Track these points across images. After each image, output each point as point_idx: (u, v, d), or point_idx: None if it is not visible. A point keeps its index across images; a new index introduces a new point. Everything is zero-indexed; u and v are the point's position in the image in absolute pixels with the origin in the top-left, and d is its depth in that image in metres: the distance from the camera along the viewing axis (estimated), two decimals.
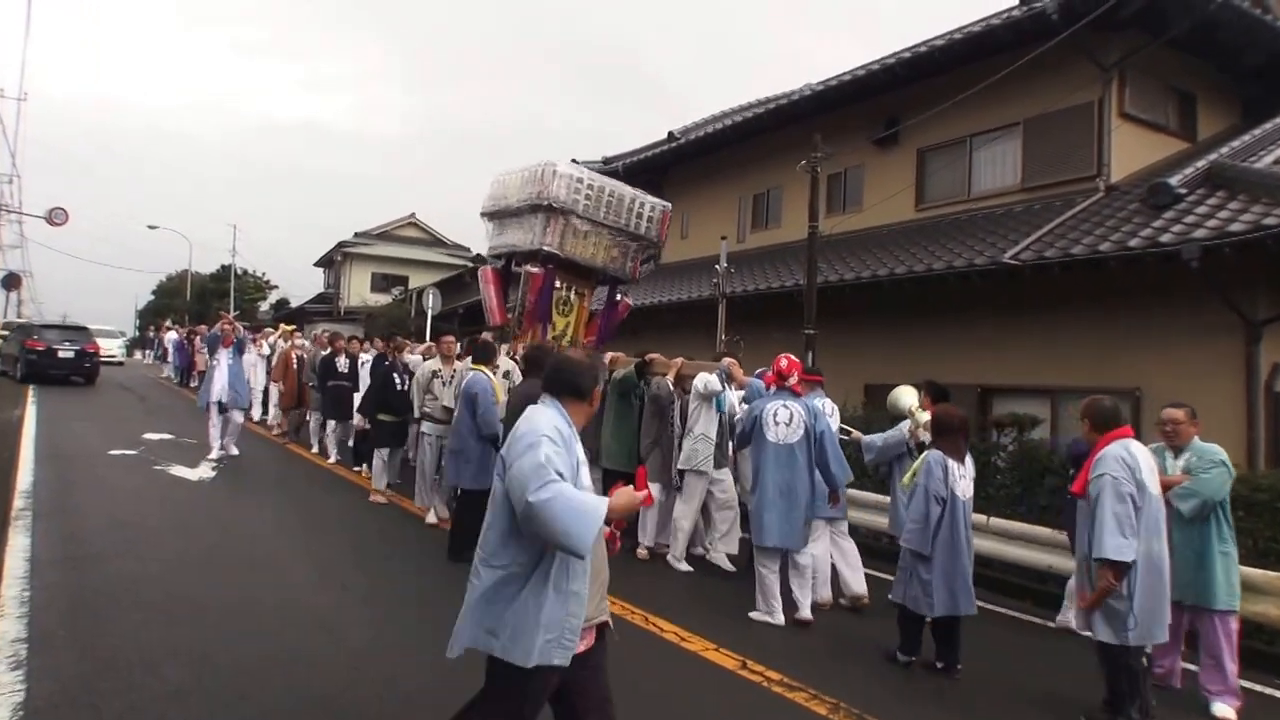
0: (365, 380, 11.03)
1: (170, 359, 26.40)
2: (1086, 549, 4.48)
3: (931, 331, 11.36)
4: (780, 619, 5.86)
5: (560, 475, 2.65)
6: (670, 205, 10.84)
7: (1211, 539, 4.93)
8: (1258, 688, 5.29)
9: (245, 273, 50.84)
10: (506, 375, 8.23)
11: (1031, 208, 11.24)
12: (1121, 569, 4.24)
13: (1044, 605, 6.82)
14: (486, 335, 9.39)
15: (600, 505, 2.66)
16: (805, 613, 5.93)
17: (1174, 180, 9.19)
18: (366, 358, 11.87)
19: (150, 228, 44.21)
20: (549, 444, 2.71)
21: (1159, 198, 9.15)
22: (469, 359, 9.31)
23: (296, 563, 6.60)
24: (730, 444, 7.54)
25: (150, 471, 9.93)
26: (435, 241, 42.52)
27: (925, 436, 5.87)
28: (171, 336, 27.31)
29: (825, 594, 6.40)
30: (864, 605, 6.37)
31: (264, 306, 50.42)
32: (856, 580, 6.47)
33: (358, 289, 39.12)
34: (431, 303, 20.60)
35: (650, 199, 10.47)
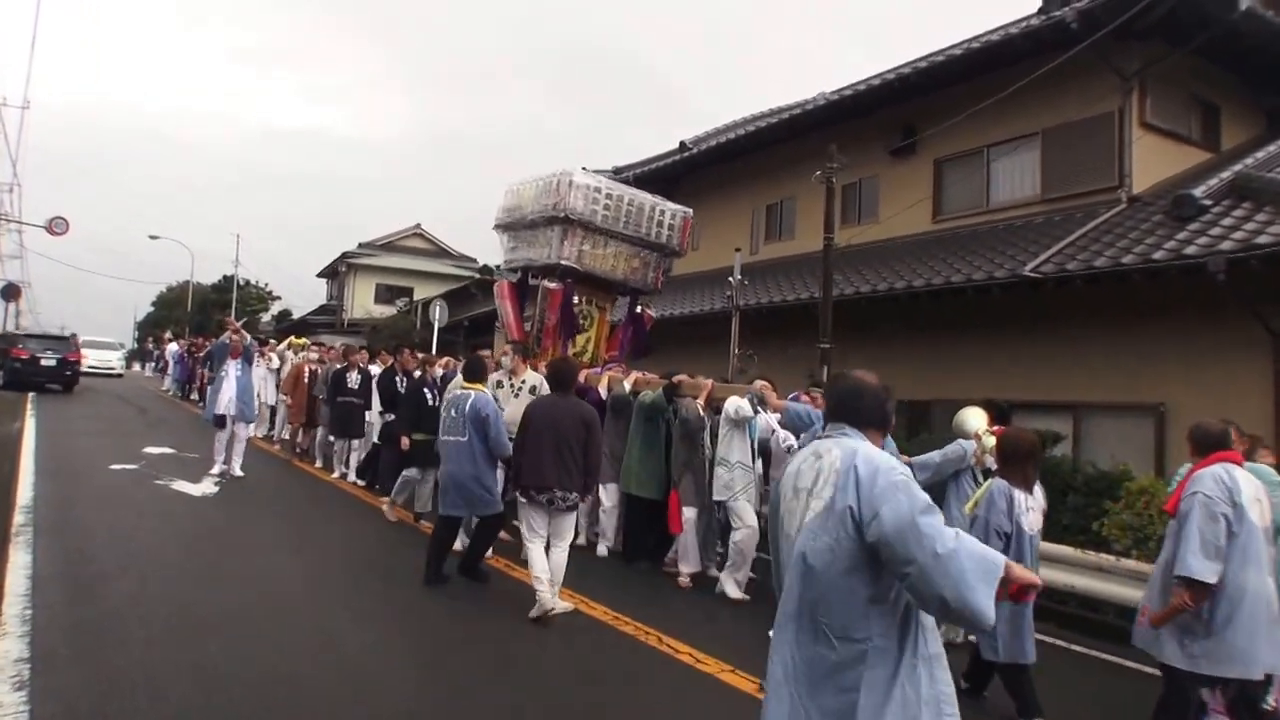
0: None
1: (170, 371, 26.50)
2: (1168, 567, 4.31)
3: (950, 346, 11.34)
4: None
5: None
6: (691, 212, 10.77)
7: None
8: None
9: (248, 283, 50.89)
10: (533, 390, 8.07)
11: (1052, 219, 11.24)
12: (1201, 590, 4.06)
13: (1068, 628, 6.78)
14: (487, 352, 9.29)
15: (999, 561, 2.26)
16: None
17: (1198, 191, 9.19)
18: (374, 370, 11.61)
19: (152, 238, 44.52)
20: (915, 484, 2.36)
21: (1183, 209, 9.15)
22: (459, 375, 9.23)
23: (301, 581, 6.60)
24: (761, 469, 7.36)
25: (152, 487, 9.88)
26: (441, 252, 42.80)
27: (991, 463, 5.56)
28: (173, 349, 27.38)
29: None
30: None
31: (266, 318, 50.58)
32: None
33: (361, 300, 39.34)
34: (438, 315, 20.64)
35: (671, 206, 10.40)
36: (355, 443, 11.36)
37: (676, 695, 4.87)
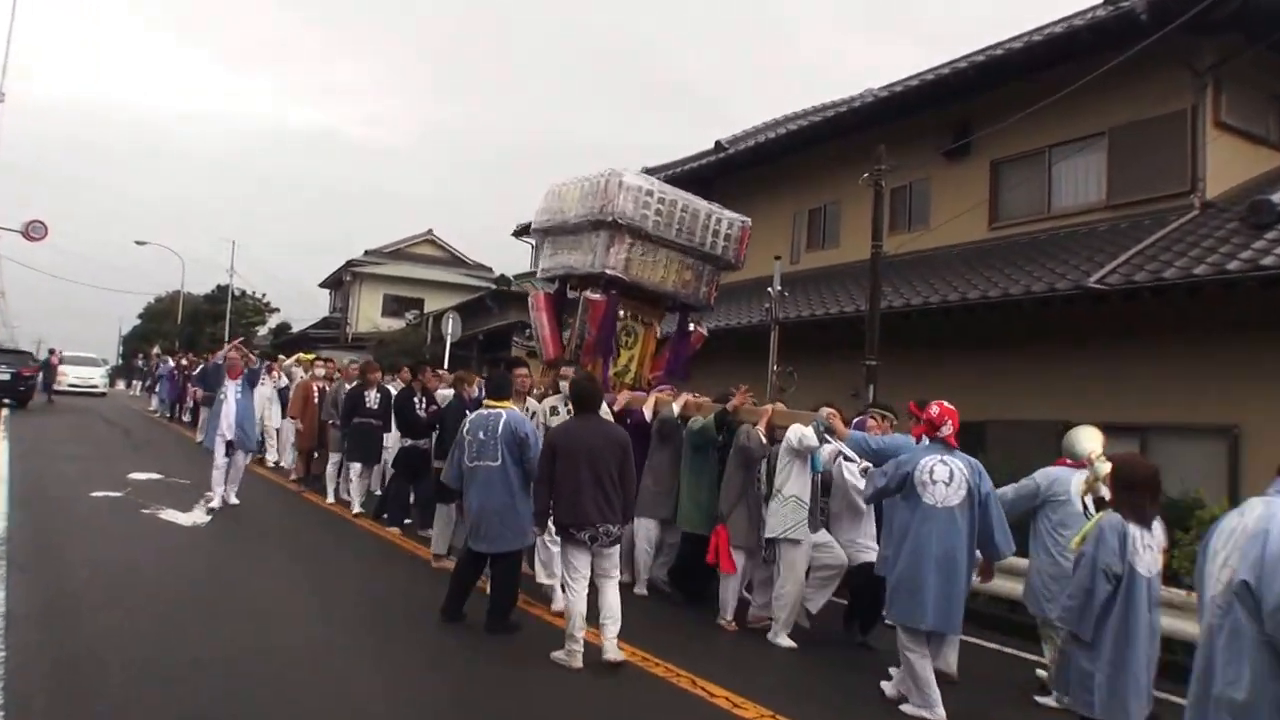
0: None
1: (158, 390, 26.49)
2: None
3: (1007, 363, 11.48)
4: (941, 713, 5.49)
5: None
6: (750, 221, 10.57)
7: None
8: None
9: (244, 294, 50.73)
10: (553, 410, 8.08)
11: (1118, 226, 11.36)
12: None
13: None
14: (524, 370, 8.89)
15: None
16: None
17: (1277, 197, 9.30)
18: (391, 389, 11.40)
19: (138, 244, 44.35)
20: None
21: (1261, 216, 9.25)
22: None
23: (303, 619, 6.58)
24: (823, 507, 7.28)
25: (138, 516, 9.82)
26: (455, 260, 42.93)
27: (1104, 491, 5.30)
28: (167, 365, 27.62)
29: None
30: (952, 680, 6.14)
31: (262, 331, 51.03)
32: (950, 652, 6.22)
33: (367, 312, 39.22)
34: (451, 329, 20.81)
35: (728, 214, 10.18)
36: (357, 466, 11.16)
37: None
